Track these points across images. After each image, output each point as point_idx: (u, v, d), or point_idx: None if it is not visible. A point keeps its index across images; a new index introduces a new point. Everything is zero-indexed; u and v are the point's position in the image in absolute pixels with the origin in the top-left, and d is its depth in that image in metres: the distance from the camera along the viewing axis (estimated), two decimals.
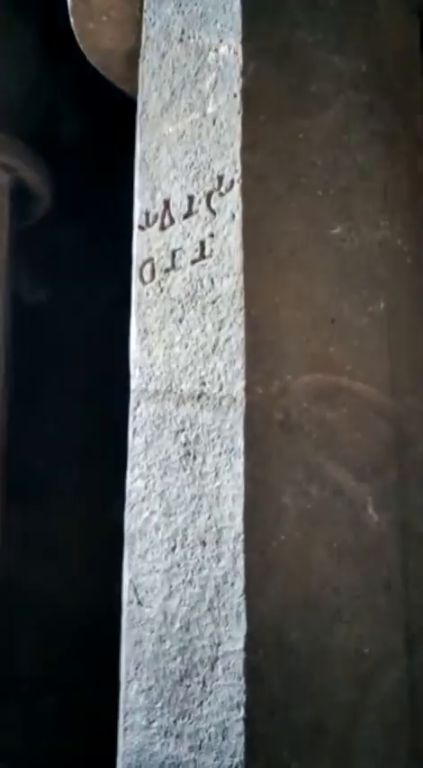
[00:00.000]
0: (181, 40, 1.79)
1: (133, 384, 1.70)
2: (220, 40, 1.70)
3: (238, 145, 1.61)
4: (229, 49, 1.67)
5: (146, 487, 1.62)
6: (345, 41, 1.70)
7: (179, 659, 1.49)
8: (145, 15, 1.90)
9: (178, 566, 1.53)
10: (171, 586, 1.53)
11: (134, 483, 1.64)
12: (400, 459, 1.53)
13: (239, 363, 1.52)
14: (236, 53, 1.66)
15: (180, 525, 1.54)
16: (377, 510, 1.49)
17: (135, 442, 1.66)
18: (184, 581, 1.51)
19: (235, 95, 1.64)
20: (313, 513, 1.47)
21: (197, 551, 1.50)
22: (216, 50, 1.70)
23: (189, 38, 1.77)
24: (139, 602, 1.57)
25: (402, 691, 1.45)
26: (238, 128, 1.62)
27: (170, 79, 1.79)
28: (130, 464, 1.66)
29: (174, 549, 1.54)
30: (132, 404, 1.69)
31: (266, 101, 1.64)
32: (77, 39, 2.20)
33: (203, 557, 1.49)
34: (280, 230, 1.58)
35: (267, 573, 1.43)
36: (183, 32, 1.79)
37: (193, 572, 1.50)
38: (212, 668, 1.44)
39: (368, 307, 1.58)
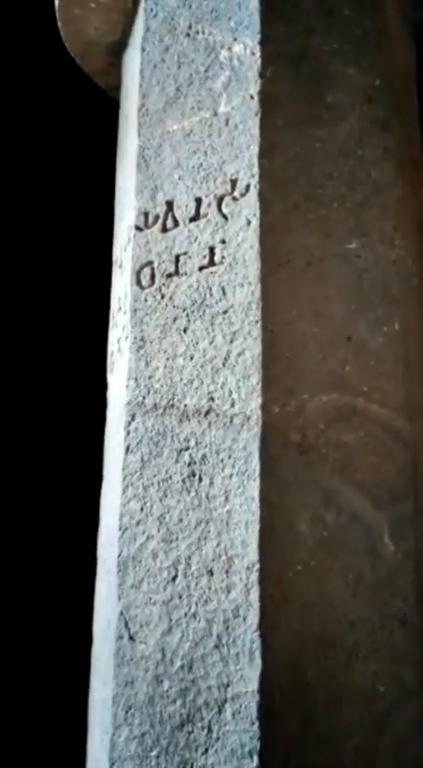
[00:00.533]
0: (188, 35, 1.69)
1: (127, 396, 1.56)
2: (235, 39, 1.61)
3: (255, 148, 1.52)
4: (244, 49, 1.59)
5: (141, 510, 1.48)
6: (359, 54, 1.66)
7: (180, 702, 1.35)
8: (144, 5, 1.79)
9: (180, 597, 1.39)
10: (171, 620, 1.39)
11: (127, 505, 1.49)
12: (417, 485, 1.48)
13: (255, 379, 1.42)
14: (253, 53, 1.58)
15: (183, 552, 1.41)
16: (393, 539, 1.42)
17: (129, 460, 1.52)
18: (186, 614, 1.38)
19: (252, 97, 1.56)
20: (330, 541, 1.38)
21: (203, 581, 1.38)
22: (229, 49, 1.61)
23: (197, 33, 1.68)
24: (131, 638, 1.43)
25: (416, 729, 1.38)
26: (256, 131, 1.53)
27: (175, 74, 1.68)
28: (122, 484, 1.51)
29: (175, 578, 1.41)
30: (125, 417, 1.55)
31: (284, 106, 1.57)
32: (59, 24, 2.06)
33: (210, 587, 1.37)
34: (297, 241, 1.50)
35: (283, 606, 1.33)
36: (190, 27, 1.69)
37: (197, 604, 1.37)
38: (220, 712, 1.31)
39: (383, 326, 1.52)
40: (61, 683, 2.26)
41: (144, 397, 1.53)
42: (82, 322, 2.58)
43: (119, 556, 1.48)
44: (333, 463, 1.41)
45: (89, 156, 2.76)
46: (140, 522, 1.47)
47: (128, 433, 1.53)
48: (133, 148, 1.72)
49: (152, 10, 1.77)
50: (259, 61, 1.56)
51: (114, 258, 1.90)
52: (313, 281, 1.49)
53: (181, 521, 1.43)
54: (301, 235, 1.51)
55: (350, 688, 1.33)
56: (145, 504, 1.47)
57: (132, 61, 1.89)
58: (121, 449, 1.54)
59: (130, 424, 1.54)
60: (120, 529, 1.49)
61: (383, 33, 1.72)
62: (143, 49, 1.76)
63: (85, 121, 2.71)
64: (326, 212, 1.54)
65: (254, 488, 1.37)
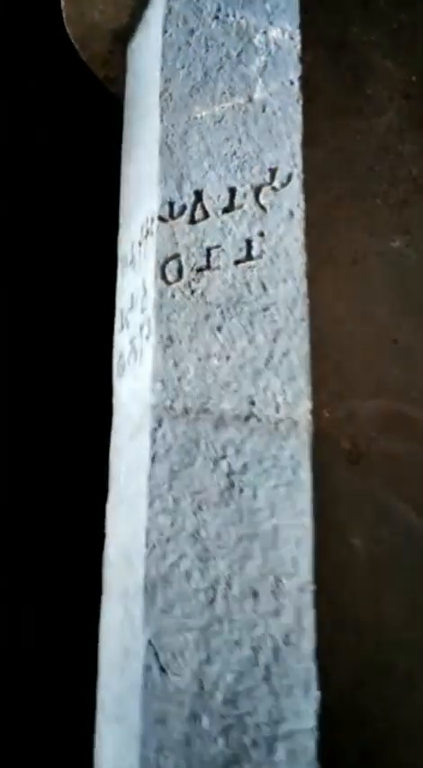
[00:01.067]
0: (216, 18, 1.58)
1: (152, 399, 1.41)
2: (271, 23, 1.52)
3: (296, 137, 1.42)
4: (282, 33, 1.50)
5: (172, 525, 1.33)
6: (396, 47, 1.59)
7: (222, 741, 1.20)
8: None
9: (220, 622, 1.25)
10: (210, 648, 1.24)
11: (155, 519, 1.35)
12: None
13: (302, 381, 1.31)
14: (292, 38, 1.49)
15: (222, 572, 1.27)
16: None
17: (155, 470, 1.37)
18: (227, 641, 1.24)
19: (291, 83, 1.46)
20: (384, 559, 1.27)
21: (247, 605, 1.24)
22: (265, 33, 1.52)
23: (227, 15, 1.57)
24: (162, 669, 1.27)
25: None
26: (297, 118, 1.43)
27: (203, 58, 1.57)
28: (147, 497, 1.37)
29: (213, 601, 1.27)
30: (151, 423, 1.40)
31: (324, 94, 1.48)
32: (62, 4, 1.93)
33: (256, 611, 1.23)
34: (341, 236, 1.41)
35: (339, 631, 1.20)
36: (219, 10, 1.59)
37: (241, 630, 1.24)
38: (271, 751, 1.17)
39: None
40: (58, 719, 2.06)
41: (173, 401, 1.39)
42: (77, 322, 2.42)
43: (145, 576, 1.33)
44: (385, 474, 1.31)
45: (78, 159, 2.63)
46: (171, 538, 1.33)
47: (154, 440, 1.39)
48: (153, 135, 1.60)
49: None
50: (299, 46, 1.47)
51: (121, 255, 1.76)
52: (359, 279, 1.40)
53: (219, 537, 1.29)
54: (345, 230, 1.41)
55: (410, 721, 1.21)
56: (176, 518, 1.33)
57: (145, 47, 1.78)
58: (146, 458, 1.39)
59: (156, 430, 1.39)
60: (146, 546, 1.34)
61: (418, 28, 1.66)
62: (165, 31, 1.64)
63: (81, 120, 2.58)
64: (369, 208, 1.45)
65: (305, 501, 1.24)
